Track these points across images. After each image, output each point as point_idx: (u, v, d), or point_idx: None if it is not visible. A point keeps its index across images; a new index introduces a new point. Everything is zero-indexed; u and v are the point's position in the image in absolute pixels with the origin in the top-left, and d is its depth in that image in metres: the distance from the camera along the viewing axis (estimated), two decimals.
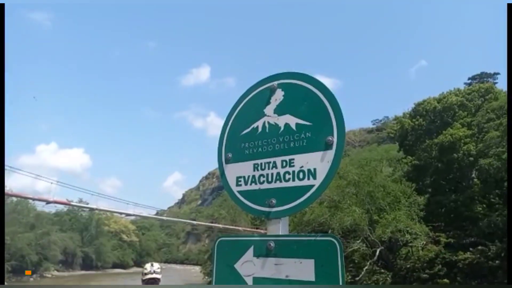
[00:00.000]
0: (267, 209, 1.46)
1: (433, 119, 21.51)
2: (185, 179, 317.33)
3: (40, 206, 43.71)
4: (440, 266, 17.28)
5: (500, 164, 16.78)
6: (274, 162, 1.49)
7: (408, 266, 18.25)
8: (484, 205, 18.37)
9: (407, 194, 20.37)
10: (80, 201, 46.13)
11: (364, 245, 20.22)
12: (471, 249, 16.73)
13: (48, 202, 20.76)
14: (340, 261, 1.28)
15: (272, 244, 1.39)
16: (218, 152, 1.71)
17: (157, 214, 76.71)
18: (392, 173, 23.90)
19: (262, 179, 1.51)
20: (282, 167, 1.47)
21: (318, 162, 1.38)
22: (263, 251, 1.42)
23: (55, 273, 47.93)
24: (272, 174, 1.49)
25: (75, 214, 59.47)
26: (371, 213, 20.16)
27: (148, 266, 3.81)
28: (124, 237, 69.32)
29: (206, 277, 43.66)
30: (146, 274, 3.71)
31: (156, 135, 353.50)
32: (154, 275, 3.68)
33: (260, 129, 1.57)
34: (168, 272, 68.00)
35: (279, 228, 1.44)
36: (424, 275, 17.50)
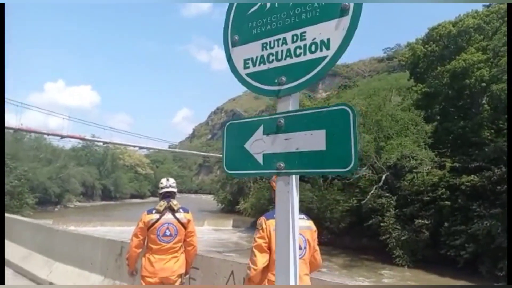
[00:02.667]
0: (277, 88, 1.45)
1: (447, 44, 20.65)
2: (194, 115, 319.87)
3: (55, 142, 45.40)
4: (443, 189, 17.88)
5: None
6: (284, 38, 1.43)
7: (412, 190, 18.95)
8: (492, 131, 18.42)
9: (416, 122, 20.46)
10: (93, 136, 47.59)
11: (370, 171, 20.88)
12: (475, 173, 17.11)
13: (62, 137, 21.21)
14: (353, 129, 1.23)
15: (282, 121, 1.39)
16: (224, 36, 1.64)
17: (169, 148, 78.63)
18: (401, 102, 23.77)
19: (271, 58, 1.47)
20: (293, 42, 1.41)
21: (332, 31, 1.31)
22: (273, 129, 1.42)
23: (77, 203, 50.98)
24: (282, 51, 1.44)
25: (90, 149, 61.31)
26: (378, 141, 20.50)
27: (164, 180, 3.92)
28: (139, 170, 72.14)
29: (219, 204, 46.19)
30: (162, 188, 3.81)
31: (161, 70, 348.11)
32: (170, 189, 3.80)
33: (268, 5, 1.50)
34: (184, 200, 71.69)
35: (289, 105, 1.42)
36: (426, 198, 18.26)
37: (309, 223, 2.63)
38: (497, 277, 14.95)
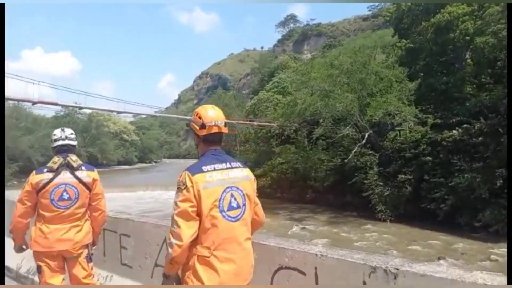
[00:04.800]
0: None
1: None
2: (179, 80, 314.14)
3: (36, 110, 44.08)
4: (425, 145, 18.05)
5: (496, 42, 16.28)
6: None
7: (394, 147, 19.10)
8: (474, 86, 18.41)
9: (400, 79, 20.27)
10: (75, 103, 46.33)
11: (354, 130, 20.90)
12: (456, 128, 17.22)
13: (34, 103, 20.29)
14: None
15: None
16: None
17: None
18: (386, 59, 23.43)
19: None
20: None
21: None
22: None
23: None
24: None
25: (73, 117, 60.03)
26: (362, 100, 20.35)
27: (57, 131, 3.10)
28: (125, 136, 71.33)
29: None
30: (56, 140, 3.04)
31: (143, 34, 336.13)
32: (66, 141, 3.05)
33: None
34: (172, 165, 72.07)
35: None
36: (409, 154, 18.45)
37: (247, 172, 2.14)
38: (475, 227, 15.46)
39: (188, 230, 1.85)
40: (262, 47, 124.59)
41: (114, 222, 3.82)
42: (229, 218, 1.94)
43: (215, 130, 2.08)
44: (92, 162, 59.73)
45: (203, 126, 2.07)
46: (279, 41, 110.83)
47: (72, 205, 2.95)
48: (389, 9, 26.81)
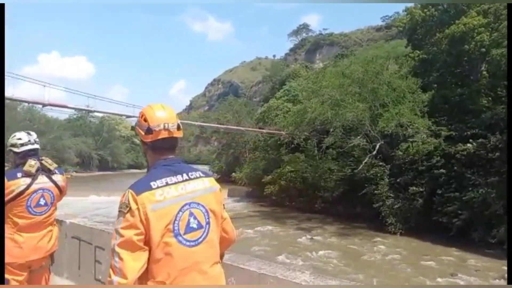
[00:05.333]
0: None
1: (447, 8, 19.84)
2: (191, 86, 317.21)
3: (50, 113, 44.68)
4: (438, 157, 17.65)
5: None
6: None
7: (406, 159, 18.72)
8: (490, 98, 18.01)
9: (412, 90, 19.99)
10: (87, 106, 46.82)
11: (365, 140, 20.61)
12: (470, 140, 16.83)
13: (44, 105, 20.54)
14: None
15: None
16: None
17: None
18: (399, 70, 23.17)
19: None
20: None
21: None
22: None
23: (74, 174, 51.00)
24: None
25: (85, 120, 60.81)
26: (373, 110, 20.09)
27: (23, 135, 2.81)
28: (136, 140, 71.73)
29: (215, 174, 46.34)
30: (23, 144, 2.77)
31: (157, 42, 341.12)
32: (35, 145, 2.83)
33: None
34: None
35: None
36: (421, 167, 18.05)
37: (210, 182, 1.74)
38: (490, 244, 15.01)
39: (133, 264, 1.45)
40: (274, 56, 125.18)
41: (90, 233, 3.61)
42: (188, 243, 1.56)
43: (164, 135, 1.67)
44: (103, 165, 60.40)
45: (149, 131, 1.67)
46: (291, 50, 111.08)
47: (47, 211, 2.80)
48: (403, 19, 26.57)
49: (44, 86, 20.04)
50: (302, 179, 24.64)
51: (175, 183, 1.60)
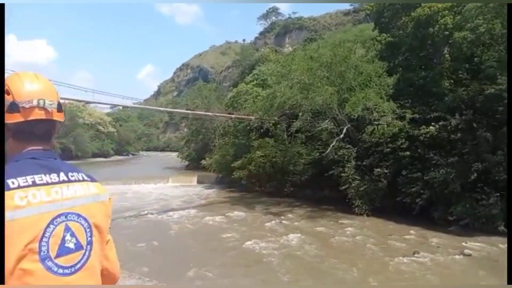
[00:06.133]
0: None
1: None
2: (159, 71, 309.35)
3: None
4: (403, 140, 18.04)
5: (474, 37, 16.33)
6: None
7: (372, 140, 19.03)
8: (452, 81, 18.49)
9: (379, 73, 20.17)
10: None
11: (332, 124, 20.73)
12: (433, 123, 17.28)
13: None
14: None
15: None
16: None
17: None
18: (366, 53, 23.30)
19: None
20: None
21: None
22: None
23: None
24: None
25: None
26: (341, 93, 20.16)
27: None
28: (101, 128, 69.39)
29: (184, 161, 45.62)
30: None
31: (122, 23, 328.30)
32: None
33: None
34: (150, 158, 70.78)
35: None
36: (386, 149, 18.41)
37: (97, 189, 1.30)
38: (449, 221, 15.62)
39: None
40: (244, 40, 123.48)
41: None
42: (60, 270, 1.09)
43: (38, 115, 1.21)
44: (66, 154, 57.92)
45: (13, 108, 1.17)
46: (260, 33, 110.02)
47: None
48: (370, 2, 26.69)
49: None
50: (272, 164, 24.62)
51: (47, 184, 1.13)
